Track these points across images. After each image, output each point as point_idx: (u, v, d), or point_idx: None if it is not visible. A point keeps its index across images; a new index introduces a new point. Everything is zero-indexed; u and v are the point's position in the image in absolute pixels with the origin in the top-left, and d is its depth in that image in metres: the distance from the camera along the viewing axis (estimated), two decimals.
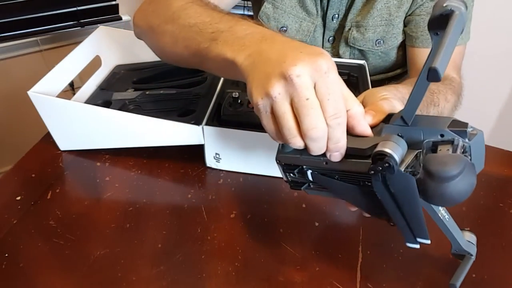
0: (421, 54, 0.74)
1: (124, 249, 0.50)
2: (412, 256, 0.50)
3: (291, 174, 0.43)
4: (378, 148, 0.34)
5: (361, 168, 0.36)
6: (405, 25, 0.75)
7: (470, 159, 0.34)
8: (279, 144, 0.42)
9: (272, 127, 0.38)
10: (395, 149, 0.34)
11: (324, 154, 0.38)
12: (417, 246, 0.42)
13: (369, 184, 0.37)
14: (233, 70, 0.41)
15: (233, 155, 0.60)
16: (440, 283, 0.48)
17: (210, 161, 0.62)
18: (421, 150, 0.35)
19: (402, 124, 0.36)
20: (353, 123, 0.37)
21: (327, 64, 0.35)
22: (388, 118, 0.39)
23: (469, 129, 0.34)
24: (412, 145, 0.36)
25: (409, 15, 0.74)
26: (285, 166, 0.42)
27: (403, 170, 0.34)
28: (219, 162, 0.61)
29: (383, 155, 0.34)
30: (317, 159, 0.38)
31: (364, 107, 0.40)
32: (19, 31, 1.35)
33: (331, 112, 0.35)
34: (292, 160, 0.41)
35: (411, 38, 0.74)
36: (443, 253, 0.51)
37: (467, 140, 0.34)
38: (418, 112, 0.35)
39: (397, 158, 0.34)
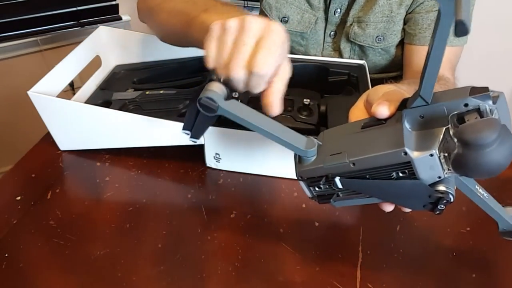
0: (417, 52, 0.74)
1: (124, 249, 0.50)
2: (412, 256, 0.50)
3: (317, 188, 0.41)
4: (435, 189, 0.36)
5: (395, 159, 0.35)
6: (404, 23, 0.75)
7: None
8: (295, 160, 0.41)
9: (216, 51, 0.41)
10: (450, 186, 0.36)
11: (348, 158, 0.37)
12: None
13: (404, 174, 0.36)
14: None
15: (233, 155, 0.60)
16: (440, 283, 0.48)
17: (210, 161, 0.62)
18: (448, 126, 0.34)
19: (422, 104, 0.35)
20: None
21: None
22: (403, 105, 0.37)
23: (490, 93, 0.33)
24: (437, 123, 0.35)
25: (409, 13, 0.74)
26: (309, 181, 0.40)
27: (438, 153, 0.34)
28: (219, 162, 0.61)
29: (442, 196, 0.36)
30: (343, 163, 0.37)
31: (370, 104, 0.40)
32: (19, 31, 1.36)
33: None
34: (316, 172, 0.39)
35: (409, 36, 0.75)
36: (443, 253, 0.51)
37: (491, 103, 0.33)
38: None
39: (452, 194, 0.36)
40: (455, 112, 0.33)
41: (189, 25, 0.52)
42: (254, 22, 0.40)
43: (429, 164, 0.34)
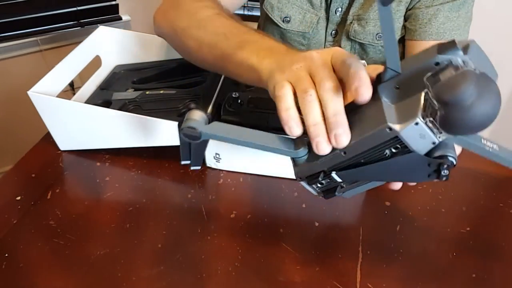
0: (419, 47, 0.74)
1: (124, 249, 0.50)
2: (412, 256, 0.50)
3: (319, 184, 0.41)
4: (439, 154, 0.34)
5: (382, 138, 0.34)
6: (405, 20, 0.75)
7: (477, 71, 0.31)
8: (292, 162, 0.41)
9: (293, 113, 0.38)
10: (448, 149, 0.34)
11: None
12: None
13: (397, 150, 0.34)
14: (255, 74, 0.44)
15: (233, 155, 0.60)
16: (440, 283, 0.48)
17: (210, 161, 0.62)
18: (427, 90, 0.32)
19: (394, 74, 0.34)
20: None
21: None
22: (378, 80, 0.36)
23: (458, 44, 0.32)
24: (415, 89, 0.33)
25: (409, 9, 0.74)
26: (308, 179, 0.40)
27: (423, 119, 0.32)
28: (219, 162, 0.61)
29: (441, 162, 0.34)
30: (335, 153, 0.36)
31: (342, 82, 0.38)
32: (19, 31, 1.36)
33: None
34: (312, 169, 0.39)
35: (410, 32, 0.75)
36: (443, 253, 0.51)
37: (461, 54, 0.31)
38: None
39: (452, 156, 0.34)
40: (429, 73, 0.32)
41: (224, 61, 0.51)
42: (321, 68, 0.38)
43: (418, 133, 0.33)
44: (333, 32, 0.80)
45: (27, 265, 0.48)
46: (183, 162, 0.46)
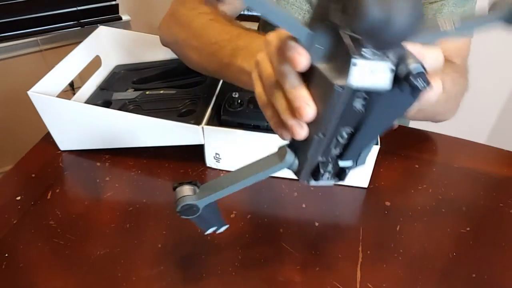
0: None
1: (124, 249, 0.50)
2: (412, 256, 0.50)
3: (327, 174, 0.39)
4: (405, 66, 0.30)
5: (342, 100, 0.31)
6: None
7: None
8: (292, 172, 0.40)
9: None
10: (407, 62, 0.30)
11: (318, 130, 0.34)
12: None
13: (366, 101, 0.32)
14: (251, 80, 0.44)
15: (233, 155, 0.60)
16: (440, 283, 0.48)
17: (210, 161, 0.62)
18: (341, 30, 0.30)
19: (305, 38, 0.31)
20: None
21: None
22: None
23: None
24: (334, 36, 0.31)
25: None
26: (314, 177, 0.39)
27: (359, 56, 0.29)
28: (219, 162, 0.61)
29: (408, 79, 0.29)
30: (315, 139, 0.35)
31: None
32: (19, 31, 1.35)
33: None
34: (308, 167, 0.38)
35: None
36: (443, 253, 0.51)
37: None
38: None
39: (413, 65, 0.29)
40: (333, 10, 0.29)
41: (223, 70, 0.53)
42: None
43: (366, 72, 0.30)
44: None
45: (27, 265, 0.48)
46: (207, 232, 0.45)
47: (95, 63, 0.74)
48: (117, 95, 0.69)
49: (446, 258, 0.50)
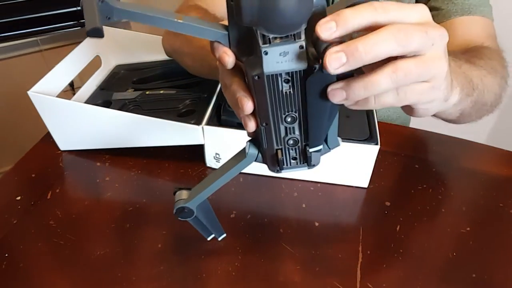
0: (446, 27, 0.67)
1: (124, 249, 0.50)
2: (412, 256, 0.50)
3: (292, 160, 0.39)
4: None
5: (262, 87, 0.32)
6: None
7: None
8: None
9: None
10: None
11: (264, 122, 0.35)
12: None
13: (289, 82, 0.32)
14: None
15: (233, 155, 0.60)
16: (440, 283, 0.48)
17: (210, 161, 0.62)
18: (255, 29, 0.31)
19: (225, 39, 0.33)
20: None
21: None
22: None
23: None
24: (245, 35, 0.32)
25: (428, 0, 0.71)
26: (280, 166, 0.39)
27: (268, 43, 0.30)
28: (219, 162, 0.61)
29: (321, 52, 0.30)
30: (262, 131, 0.36)
31: None
32: (19, 31, 1.35)
33: None
34: (269, 158, 0.39)
35: (432, 18, 0.70)
36: (443, 253, 0.51)
37: None
38: None
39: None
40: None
41: (215, 73, 0.53)
42: None
43: (277, 57, 0.30)
44: None
45: (27, 265, 0.48)
46: (208, 239, 0.50)
47: (95, 63, 0.74)
48: (117, 95, 0.69)
49: (446, 258, 0.50)
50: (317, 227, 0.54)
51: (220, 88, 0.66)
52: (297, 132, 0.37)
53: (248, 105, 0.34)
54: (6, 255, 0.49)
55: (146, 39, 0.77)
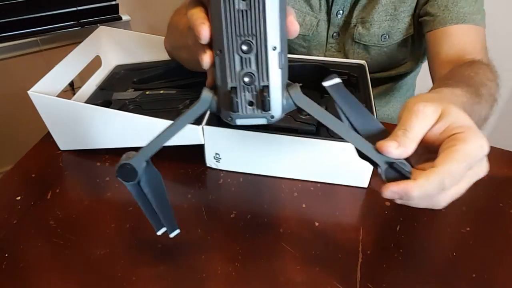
0: (441, 35, 0.69)
1: (124, 249, 0.50)
2: (412, 256, 0.50)
3: (248, 106, 0.36)
4: None
5: None
6: (420, 16, 0.74)
7: None
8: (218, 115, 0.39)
9: None
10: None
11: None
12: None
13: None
14: None
15: (233, 155, 0.60)
16: (440, 283, 0.48)
17: (210, 161, 0.62)
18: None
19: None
20: None
21: None
22: None
23: None
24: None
25: (424, 4, 0.72)
26: (231, 106, 0.36)
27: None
28: (219, 162, 0.61)
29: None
30: (216, 58, 0.35)
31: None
32: (19, 31, 1.36)
33: None
34: (222, 94, 0.36)
35: (429, 23, 0.71)
36: (443, 253, 0.51)
37: None
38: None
39: None
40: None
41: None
42: None
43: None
44: (335, 34, 0.80)
45: (27, 265, 0.48)
46: (159, 233, 0.44)
47: (95, 63, 0.74)
48: (117, 95, 0.69)
49: (446, 258, 0.50)
50: (317, 227, 0.54)
51: None
52: (253, 67, 0.34)
53: (204, 31, 0.34)
54: (6, 255, 0.49)
55: (146, 39, 0.77)
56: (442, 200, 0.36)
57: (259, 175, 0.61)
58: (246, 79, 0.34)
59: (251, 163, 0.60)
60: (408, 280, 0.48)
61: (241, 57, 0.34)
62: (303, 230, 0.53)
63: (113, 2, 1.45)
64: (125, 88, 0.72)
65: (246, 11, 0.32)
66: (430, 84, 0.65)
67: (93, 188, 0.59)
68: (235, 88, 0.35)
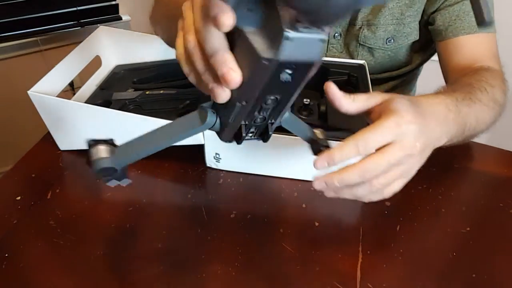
0: (454, 45, 0.70)
1: (124, 249, 0.50)
2: (412, 256, 0.50)
3: (249, 135, 0.37)
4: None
5: (267, 72, 0.29)
6: (430, 24, 0.74)
7: None
8: (216, 133, 0.38)
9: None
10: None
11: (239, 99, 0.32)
12: None
13: (292, 70, 0.29)
14: None
15: (233, 155, 0.60)
16: (440, 283, 0.48)
17: (210, 161, 0.62)
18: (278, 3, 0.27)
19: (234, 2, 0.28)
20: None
21: None
22: None
23: None
24: (268, 3, 0.28)
25: (433, 13, 0.72)
26: (236, 139, 0.37)
27: (293, 30, 0.27)
28: (219, 162, 0.61)
29: None
30: (237, 107, 0.33)
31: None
32: (19, 31, 1.35)
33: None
34: (230, 130, 0.36)
35: (440, 33, 0.72)
36: (443, 253, 0.51)
37: None
38: None
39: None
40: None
41: None
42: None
43: (297, 45, 0.27)
44: (337, 34, 0.79)
45: (27, 265, 0.48)
46: (109, 184, 0.41)
47: (95, 63, 0.74)
48: (117, 95, 0.69)
49: (446, 258, 0.50)
50: (317, 227, 0.54)
51: None
52: (269, 112, 0.34)
53: (237, 81, 0.30)
54: (6, 255, 0.49)
55: (146, 39, 0.77)
56: (377, 184, 0.41)
57: (259, 175, 0.61)
58: (258, 120, 0.36)
59: (251, 163, 0.60)
60: (408, 280, 0.48)
61: (261, 107, 0.34)
62: (303, 230, 0.53)
63: (113, 2, 1.45)
64: (125, 88, 0.72)
65: (289, 81, 0.30)
66: (430, 84, 0.65)
67: (93, 188, 0.59)
68: (245, 125, 0.36)
